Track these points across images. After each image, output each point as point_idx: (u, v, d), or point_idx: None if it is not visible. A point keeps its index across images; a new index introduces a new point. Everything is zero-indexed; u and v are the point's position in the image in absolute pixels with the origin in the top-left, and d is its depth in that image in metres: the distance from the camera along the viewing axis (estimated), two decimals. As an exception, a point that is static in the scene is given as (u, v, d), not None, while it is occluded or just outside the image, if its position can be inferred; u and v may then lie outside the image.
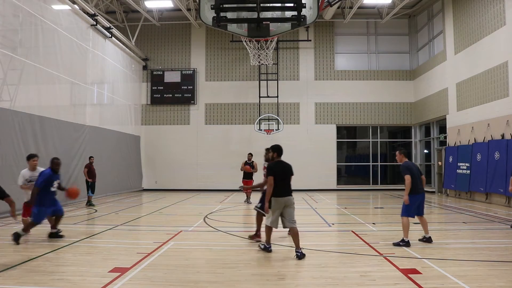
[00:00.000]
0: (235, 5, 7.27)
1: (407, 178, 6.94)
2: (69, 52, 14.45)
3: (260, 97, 21.57)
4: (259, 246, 6.74)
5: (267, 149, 7.42)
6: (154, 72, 22.41)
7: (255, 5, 6.89)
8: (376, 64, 22.55)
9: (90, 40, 16.23)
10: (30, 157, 8.08)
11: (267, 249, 6.56)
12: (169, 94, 22.29)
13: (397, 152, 7.48)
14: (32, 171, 7.93)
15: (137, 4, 18.95)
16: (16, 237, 7.10)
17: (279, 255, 6.37)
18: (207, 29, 22.27)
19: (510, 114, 13.49)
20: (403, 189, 7.24)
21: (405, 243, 6.85)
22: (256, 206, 7.53)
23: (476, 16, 15.66)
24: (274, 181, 6.39)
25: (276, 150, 6.76)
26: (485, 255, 6.40)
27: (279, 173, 6.48)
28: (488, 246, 7.10)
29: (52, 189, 7.58)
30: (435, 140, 20.27)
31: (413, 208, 7.10)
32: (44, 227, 8.12)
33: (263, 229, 7.03)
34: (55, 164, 7.66)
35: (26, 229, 7.37)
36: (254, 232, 7.61)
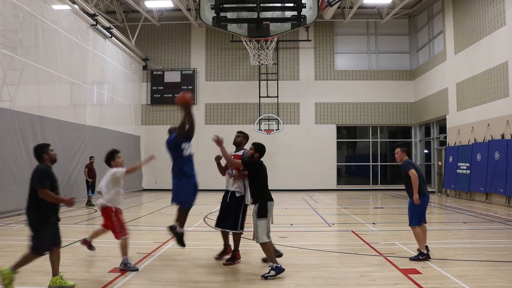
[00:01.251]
0: (235, 5, 7.27)
1: (414, 173, 5.99)
2: (69, 52, 14.45)
3: (260, 97, 21.56)
4: (267, 277, 5.18)
5: (240, 133, 6.23)
6: (154, 72, 22.41)
7: (255, 5, 6.88)
8: (376, 64, 22.55)
9: (90, 40, 16.22)
10: (115, 153, 6.06)
11: (280, 270, 5.24)
12: (169, 94, 22.27)
13: (398, 149, 6.31)
14: None
15: (137, 4, 18.95)
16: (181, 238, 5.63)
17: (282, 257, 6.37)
18: (207, 29, 22.26)
19: (510, 114, 13.49)
20: (403, 189, 6.44)
21: (425, 256, 5.89)
22: (225, 227, 5.94)
23: (476, 16, 15.66)
24: (264, 184, 5.56)
25: (261, 150, 5.68)
26: (485, 255, 6.40)
27: (266, 175, 5.66)
28: (488, 246, 7.11)
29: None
30: (435, 140, 20.27)
31: (423, 212, 6.14)
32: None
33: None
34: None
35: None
36: (223, 250, 6.24)
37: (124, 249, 5.51)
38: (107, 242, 7.41)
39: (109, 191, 5.70)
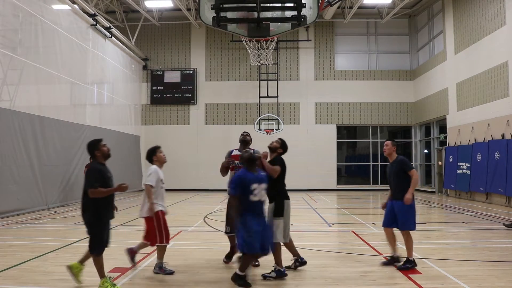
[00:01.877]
0: (235, 5, 7.26)
1: (416, 174, 5.65)
2: (69, 52, 14.45)
3: (260, 97, 21.56)
4: (266, 277, 5.12)
5: (248, 133, 6.21)
6: (154, 72, 22.41)
7: (255, 5, 6.88)
8: (376, 64, 22.55)
9: (90, 40, 16.22)
10: (157, 148, 5.86)
11: (282, 274, 5.15)
12: (169, 94, 22.29)
13: (389, 142, 5.87)
14: (161, 169, 5.89)
15: (137, 4, 18.95)
16: (241, 281, 4.84)
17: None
18: (207, 29, 22.26)
19: (510, 114, 13.49)
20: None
21: (412, 264, 5.51)
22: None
23: (476, 16, 15.66)
24: (282, 182, 5.40)
25: (285, 148, 5.62)
26: (485, 255, 6.40)
27: (285, 173, 5.47)
28: (488, 246, 7.10)
29: (254, 198, 4.86)
30: (435, 140, 20.27)
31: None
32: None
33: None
34: (248, 160, 5.03)
35: (242, 268, 4.89)
36: (232, 252, 6.01)
37: (160, 252, 5.45)
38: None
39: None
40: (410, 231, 5.62)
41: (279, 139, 5.67)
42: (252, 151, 5.82)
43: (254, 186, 4.83)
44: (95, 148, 4.80)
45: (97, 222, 4.66)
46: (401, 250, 5.85)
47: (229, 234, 5.91)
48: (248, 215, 4.79)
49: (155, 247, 5.59)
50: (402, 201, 5.51)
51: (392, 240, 5.80)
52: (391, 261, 5.74)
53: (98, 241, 4.65)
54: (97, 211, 4.64)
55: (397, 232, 5.78)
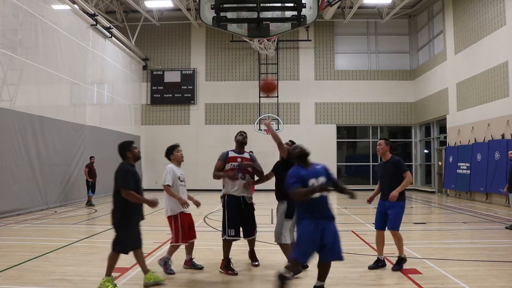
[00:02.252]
0: (235, 5, 7.26)
1: (410, 175, 5.57)
2: (69, 52, 14.45)
3: (260, 97, 21.56)
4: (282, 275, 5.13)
5: (246, 136, 5.97)
6: (154, 72, 22.41)
7: (255, 5, 6.88)
8: (376, 64, 22.54)
9: (90, 40, 16.23)
10: (175, 147, 5.94)
11: (298, 271, 5.19)
12: (169, 94, 22.30)
13: (382, 141, 5.72)
14: (179, 167, 5.88)
15: (137, 4, 18.95)
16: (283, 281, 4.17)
17: (279, 255, 6.36)
18: (207, 29, 22.27)
19: (510, 114, 13.49)
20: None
21: (405, 261, 5.61)
22: (253, 234, 5.75)
23: (476, 16, 15.66)
24: None
25: None
26: (485, 255, 6.41)
27: None
28: (488, 246, 7.11)
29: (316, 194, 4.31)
30: (435, 140, 20.27)
31: None
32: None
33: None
34: (299, 156, 4.48)
35: (290, 268, 4.32)
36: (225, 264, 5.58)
37: (171, 249, 5.56)
38: (107, 242, 7.40)
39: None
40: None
41: (290, 141, 5.64)
42: (250, 153, 5.83)
43: (312, 181, 4.30)
44: (126, 149, 4.88)
45: (123, 224, 4.69)
46: (395, 250, 5.84)
47: (233, 238, 5.47)
48: (305, 219, 4.25)
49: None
50: (395, 202, 5.44)
51: (382, 243, 5.69)
52: (378, 264, 5.63)
53: (120, 242, 4.69)
54: (125, 212, 4.67)
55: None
